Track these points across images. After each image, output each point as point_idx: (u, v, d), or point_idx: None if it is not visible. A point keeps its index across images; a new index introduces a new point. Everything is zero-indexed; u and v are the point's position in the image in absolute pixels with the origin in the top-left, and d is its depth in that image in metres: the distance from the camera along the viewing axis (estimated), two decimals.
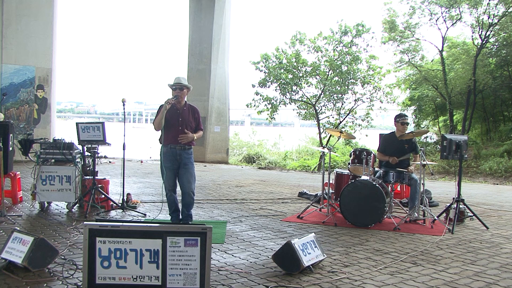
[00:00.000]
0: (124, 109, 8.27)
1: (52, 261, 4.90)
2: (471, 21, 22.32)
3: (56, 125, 17.99)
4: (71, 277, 4.60)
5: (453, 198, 7.83)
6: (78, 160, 8.14)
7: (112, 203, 8.21)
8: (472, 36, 22.77)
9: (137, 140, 29.73)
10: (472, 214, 8.00)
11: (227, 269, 5.07)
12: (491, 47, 22.83)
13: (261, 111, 21.01)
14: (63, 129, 16.83)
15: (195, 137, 6.91)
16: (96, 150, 8.13)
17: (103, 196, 8.09)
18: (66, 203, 8.21)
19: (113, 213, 7.99)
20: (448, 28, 22.92)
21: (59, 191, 7.88)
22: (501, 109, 24.17)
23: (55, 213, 7.88)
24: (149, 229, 4.09)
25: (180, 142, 6.74)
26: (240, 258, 5.56)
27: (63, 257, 5.18)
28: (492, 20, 21.36)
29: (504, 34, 21.81)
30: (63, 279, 4.54)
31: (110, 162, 16.28)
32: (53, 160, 7.98)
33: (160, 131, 6.84)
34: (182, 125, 6.78)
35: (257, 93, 20.47)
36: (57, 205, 8.45)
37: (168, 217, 7.12)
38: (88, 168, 8.55)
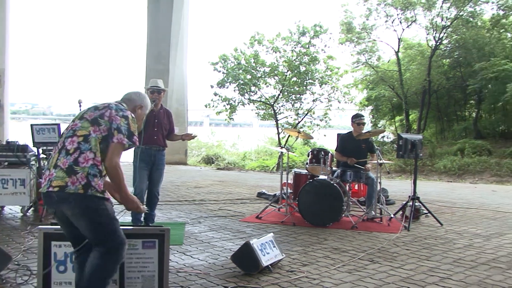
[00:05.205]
0: (80, 110, 8.12)
1: (5, 267, 4.75)
2: (425, 23, 22.85)
3: (10, 127, 17.53)
4: (25, 283, 4.49)
5: (409, 196, 7.98)
6: (33, 162, 7.96)
7: None
8: (427, 37, 23.32)
9: None
10: (427, 212, 8.14)
11: (186, 271, 5.04)
12: (445, 48, 23.41)
13: (219, 112, 20.97)
14: (17, 131, 16.44)
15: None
16: (52, 152, 7.95)
17: None
18: (20, 207, 8.01)
19: None
20: (403, 30, 23.43)
21: (12, 194, 7.66)
22: (455, 109, 24.81)
23: (8, 217, 7.67)
24: None
25: (184, 139, 7.32)
26: (199, 259, 5.54)
27: (16, 262, 5.04)
28: (445, 22, 21.90)
29: (456, 37, 22.39)
30: (16, 285, 4.43)
31: None
32: (6, 163, 7.76)
33: None
34: (158, 127, 6.88)
35: (215, 94, 20.41)
36: (10, 209, 8.22)
37: (127, 219, 7.04)
38: (43, 171, 8.36)
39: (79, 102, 7.99)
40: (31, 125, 7.98)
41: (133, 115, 3.70)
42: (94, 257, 3.44)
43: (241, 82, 19.79)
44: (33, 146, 7.95)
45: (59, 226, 3.72)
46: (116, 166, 3.42)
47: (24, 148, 7.79)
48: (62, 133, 3.67)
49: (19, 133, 13.04)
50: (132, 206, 3.67)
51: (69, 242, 3.83)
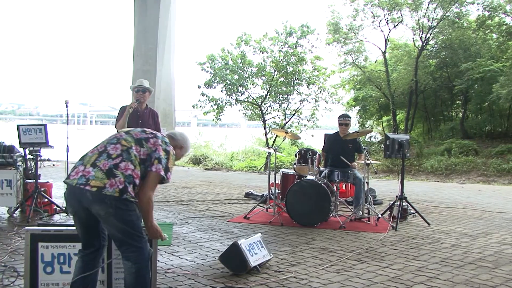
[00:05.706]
0: (67, 110, 8.08)
1: None
2: (412, 24, 23.01)
3: None
4: (11, 284, 4.45)
5: (397, 196, 8.01)
6: (20, 163, 7.90)
7: (55, 207, 7.98)
8: (413, 38, 23.49)
9: (82, 142, 29.12)
10: (414, 211, 8.18)
11: (174, 271, 5.02)
12: (431, 49, 23.57)
13: (207, 112, 20.90)
14: (3, 132, 16.29)
15: None
16: (39, 153, 7.90)
17: (46, 200, 7.87)
18: (7, 208, 7.95)
19: (56, 217, 7.78)
20: (390, 30, 23.54)
21: None
22: (441, 109, 24.98)
23: None
24: None
25: None
26: (187, 259, 5.52)
27: (3, 264, 5.01)
28: (431, 23, 22.04)
29: (442, 37, 22.56)
30: (3, 287, 4.39)
31: (53, 165, 15.86)
32: None
33: None
34: (142, 128, 6.76)
35: (203, 94, 20.33)
36: None
37: None
38: (30, 172, 8.30)
39: (66, 103, 7.98)
40: (17, 125, 7.91)
41: (174, 151, 3.86)
42: (127, 270, 3.57)
43: (229, 82, 19.73)
44: (20, 147, 7.90)
45: (74, 226, 3.75)
46: (150, 199, 3.65)
47: (11, 148, 7.74)
48: (105, 139, 3.78)
49: (5, 133, 12.91)
50: (155, 235, 3.80)
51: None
